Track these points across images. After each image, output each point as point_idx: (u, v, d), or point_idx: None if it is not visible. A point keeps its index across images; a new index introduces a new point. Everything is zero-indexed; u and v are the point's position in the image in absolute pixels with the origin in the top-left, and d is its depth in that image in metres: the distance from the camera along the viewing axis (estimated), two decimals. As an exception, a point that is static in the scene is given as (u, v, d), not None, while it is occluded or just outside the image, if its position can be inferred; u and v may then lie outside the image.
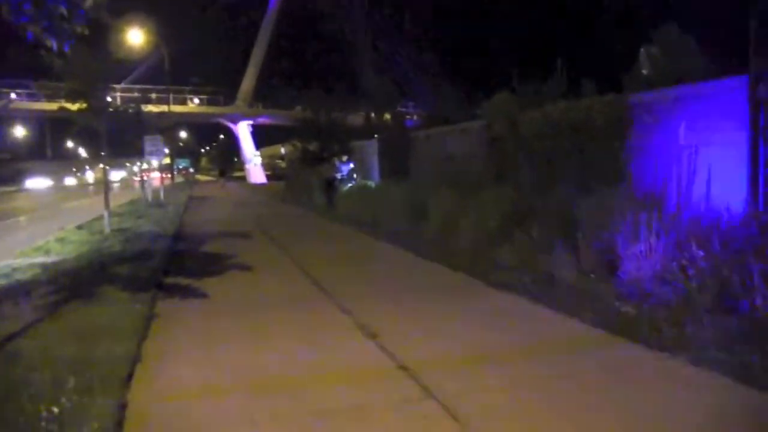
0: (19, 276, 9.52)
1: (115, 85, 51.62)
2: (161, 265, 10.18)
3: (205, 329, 6.42)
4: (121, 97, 37.73)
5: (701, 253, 6.01)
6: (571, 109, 9.72)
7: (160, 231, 15.32)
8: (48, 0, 4.76)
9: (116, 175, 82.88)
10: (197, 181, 79.41)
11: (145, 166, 35.94)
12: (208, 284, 8.69)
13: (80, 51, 13.72)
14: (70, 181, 73.17)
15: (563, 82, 11.42)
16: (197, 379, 4.91)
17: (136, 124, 25.32)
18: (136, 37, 42.39)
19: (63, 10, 4.94)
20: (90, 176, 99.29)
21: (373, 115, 28.88)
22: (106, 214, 15.21)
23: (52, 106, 15.47)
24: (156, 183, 33.56)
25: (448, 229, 10.43)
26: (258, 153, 66.18)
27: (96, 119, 15.21)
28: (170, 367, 5.19)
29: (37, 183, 64.54)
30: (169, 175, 50.85)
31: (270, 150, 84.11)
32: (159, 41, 45.38)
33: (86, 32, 5.60)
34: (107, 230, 14.84)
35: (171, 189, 41.96)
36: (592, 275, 7.22)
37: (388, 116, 26.75)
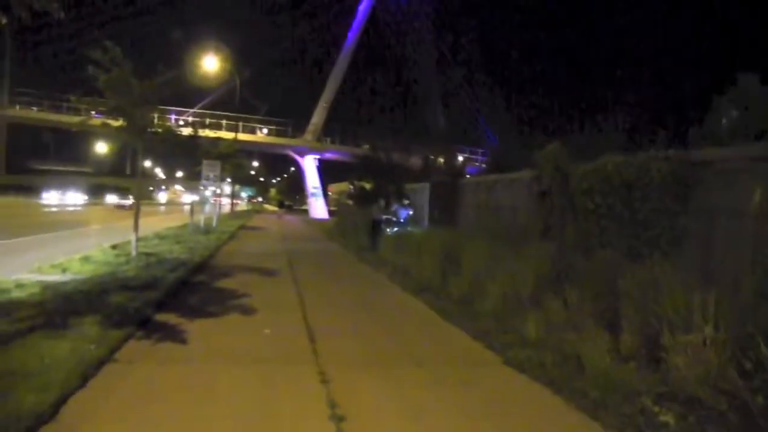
0: (16, 294, 8.89)
1: (187, 109, 53.04)
2: (161, 298, 9.37)
3: (154, 384, 5.47)
4: (188, 122, 37.99)
5: (771, 356, 4.67)
6: (625, 163, 8.46)
7: (187, 259, 14.67)
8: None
9: (188, 199, 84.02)
10: (262, 211, 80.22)
11: (216, 191, 35.99)
12: (196, 326, 7.80)
13: (124, 68, 13.37)
14: (110, 199, 69.41)
15: (621, 134, 10.17)
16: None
17: (191, 148, 25.03)
18: (210, 63, 43.26)
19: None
20: (163, 196, 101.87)
21: (431, 157, 27.84)
22: (133, 237, 14.64)
23: (97, 122, 14.96)
24: (209, 210, 33.41)
25: (477, 288, 9.23)
26: (318, 187, 65.94)
27: (135, 139, 14.70)
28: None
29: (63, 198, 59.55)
30: (229, 203, 51.13)
31: (340, 186, 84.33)
32: (233, 69, 46.06)
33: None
34: (133, 253, 14.28)
35: (229, 217, 41.98)
36: (632, 363, 5.91)
37: (441, 160, 25.68)
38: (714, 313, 5.21)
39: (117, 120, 14.49)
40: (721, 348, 5.02)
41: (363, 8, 60.63)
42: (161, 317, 8.25)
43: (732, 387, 4.69)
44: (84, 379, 5.34)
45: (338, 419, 4.67)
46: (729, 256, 6.65)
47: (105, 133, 15.87)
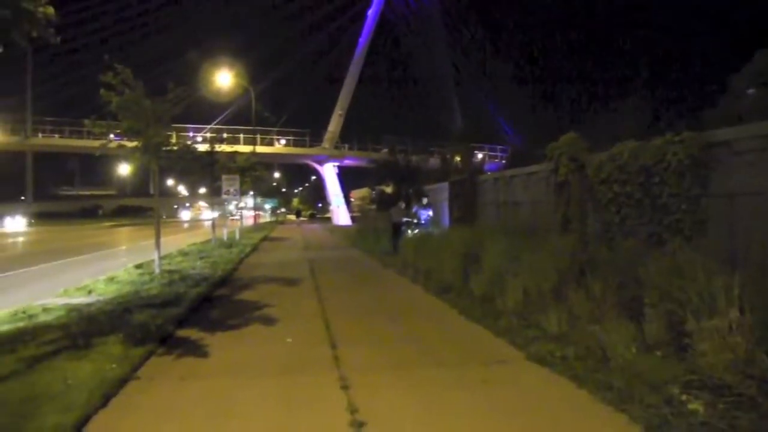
0: (42, 318, 9.08)
1: (204, 126, 53.50)
2: (183, 314, 9.41)
3: (175, 400, 5.46)
4: (205, 138, 38.24)
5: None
6: (641, 149, 8.31)
7: (210, 273, 14.73)
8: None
9: (208, 215, 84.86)
10: (285, 222, 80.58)
11: (240, 206, 36.45)
12: (217, 340, 7.81)
13: (136, 89, 13.46)
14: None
15: (641, 118, 9.99)
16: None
17: (209, 164, 25.21)
18: (225, 78, 43.64)
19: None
20: (186, 214, 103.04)
21: (449, 157, 27.74)
22: (156, 255, 14.75)
23: (114, 144, 14.97)
24: (231, 223, 33.65)
25: (498, 285, 9.11)
26: (340, 194, 66.06)
27: (150, 158, 14.75)
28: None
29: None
30: (252, 215, 51.38)
31: (362, 192, 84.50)
32: (248, 83, 46.36)
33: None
34: (157, 271, 14.39)
35: (252, 229, 42.18)
36: (658, 353, 5.78)
37: (458, 158, 25.57)
38: (739, 297, 5.08)
39: (132, 141, 14.57)
40: (749, 332, 4.88)
41: (372, 13, 60.76)
42: (183, 333, 8.28)
43: (761, 371, 4.55)
44: (106, 399, 5.36)
45: (358, 425, 4.61)
46: (752, 237, 6.48)
47: (124, 155, 15.92)
